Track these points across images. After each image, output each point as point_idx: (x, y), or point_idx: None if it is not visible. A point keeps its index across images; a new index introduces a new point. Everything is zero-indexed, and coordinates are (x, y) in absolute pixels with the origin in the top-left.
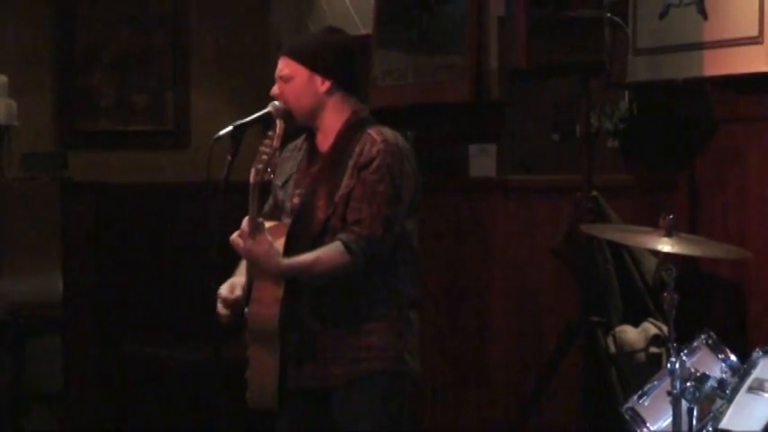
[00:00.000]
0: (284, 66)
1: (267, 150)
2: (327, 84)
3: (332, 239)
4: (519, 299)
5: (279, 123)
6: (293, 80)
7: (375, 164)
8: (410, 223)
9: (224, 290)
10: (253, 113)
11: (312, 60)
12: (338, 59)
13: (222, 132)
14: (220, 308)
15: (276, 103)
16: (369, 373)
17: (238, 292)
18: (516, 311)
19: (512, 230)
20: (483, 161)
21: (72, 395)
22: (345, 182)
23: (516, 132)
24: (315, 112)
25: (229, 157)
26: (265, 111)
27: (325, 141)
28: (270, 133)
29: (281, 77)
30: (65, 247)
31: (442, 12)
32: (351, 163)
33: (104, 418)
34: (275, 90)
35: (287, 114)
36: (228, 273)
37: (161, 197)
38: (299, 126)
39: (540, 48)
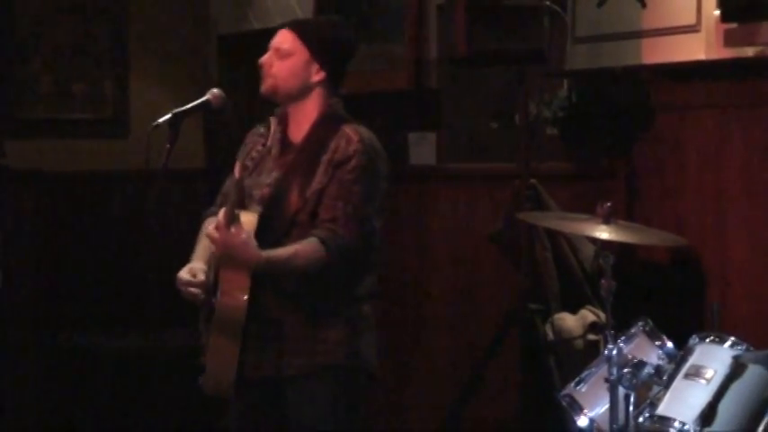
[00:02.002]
0: (285, 40)
1: (258, 148)
2: (322, 74)
3: (300, 234)
4: (458, 286)
5: (273, 121)
6: (290, 57)
7: (352, 163)
8: (378, 222)
9: (184, 274)
10: (192, 101)
11: (317, 46)
12: (340, 55)
13: (161, 120)
14: (192, 291)
15: (215, 90)
16: (325, 365)
17: (201, 277)
18: (455, 299)
19: (451, 218)
20: (423, 149)
21: (7, 383)
22: (318, 177)
23: (456, 120)
24: (297, 97)
25: (168, 145)
26: (204, 99)
27: (297, 131)
28: (262, 131)
29: (277, 50)
30: (2, 235)
31: (382, 2)
32: (325, 158)
33: (42, 408)
34: (265, 59)
35: (226, 103)
36: (165, 259)
37: (100, 185)
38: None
39: (478, 36)
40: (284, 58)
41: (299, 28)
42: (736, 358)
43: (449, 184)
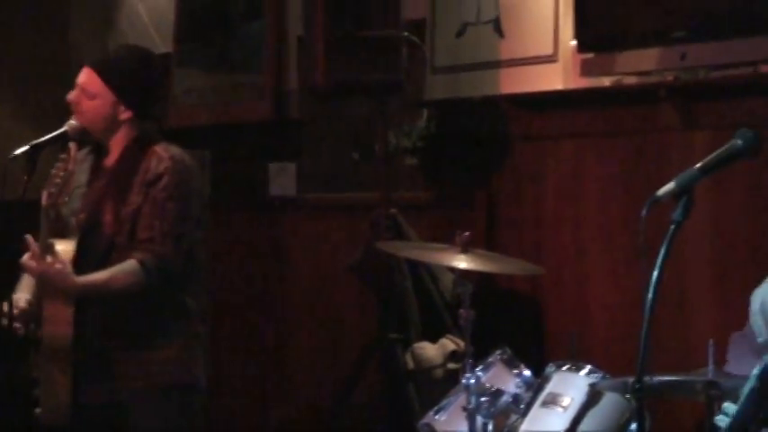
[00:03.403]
0: (90, 81)
1: (60, 173)
2: (129, 113)
3: (119, 256)
4: (318, 316)
5: (72, 146)
6: (96, 98)
7: (164, 181)
8: (197, 238)
9: (6, 305)
10: (51, 131)
11: (122, 87)
12: (146, 92)
13: (18, 152)
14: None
15: (72, 122)
16: (160, 387)
17: (22, 305)
18: (316, 329)
19: (311, 248)
20: (283, 180)
21: None
22: (132, 198)
23: (316, 151)
24: (107, 133)
25: (26, 177)
26: (61, 130)
27: (110, 157)
28: (63, 156)
29: (84, 89)
30: None
31: (241, 30)
32: (138, 179)
33: None
34: (73, 97)
35: (83, 133)
36: None
37: None
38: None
39: (337, 67)
40: (91, 98)
41: (103, 69)
42: (592, 386)
43: (309, 215)
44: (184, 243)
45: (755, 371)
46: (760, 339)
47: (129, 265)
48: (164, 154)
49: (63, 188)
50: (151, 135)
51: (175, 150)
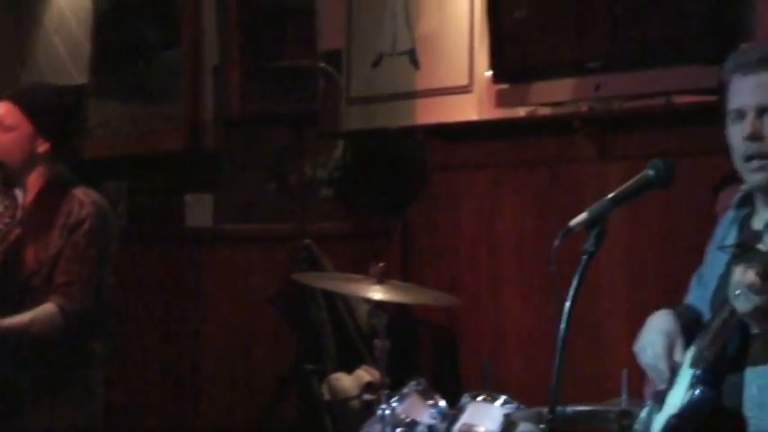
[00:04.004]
0: (8, 113)
1: None
2: (46, 145)
3: (33, 299)
4: (235, 347)
5: None
6: (14, 131)
7: (85, 227)
8: (110, 283)
9: None
10: None
11: (40, 119)
12: (64, 125)
13: None
14: None
15: None
16: (63, 427)
17: None
18: (233, 360)
19: (228, 279)
20: (199, 210)
21: None
22: (54, 242)
23: (233, 181)
24: (24, 169)
25: None
26: None
27: (28, 196)
28: None
29: (1, 123)
30: None
31: (158, 60)
32: (59, 223)
33: None
34: None
35: None
36: None
37: None
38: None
39: (253, 97)
40: (8, 131)
41: (21, 101)
42: (506, 416)
43: (225, 246)
44: (102, 288)
45: (675, 410)
46: (661, 387)
47: (48, 309)
48: (85, 199)
49: None
50: (67, 177)
51: (95, 195)
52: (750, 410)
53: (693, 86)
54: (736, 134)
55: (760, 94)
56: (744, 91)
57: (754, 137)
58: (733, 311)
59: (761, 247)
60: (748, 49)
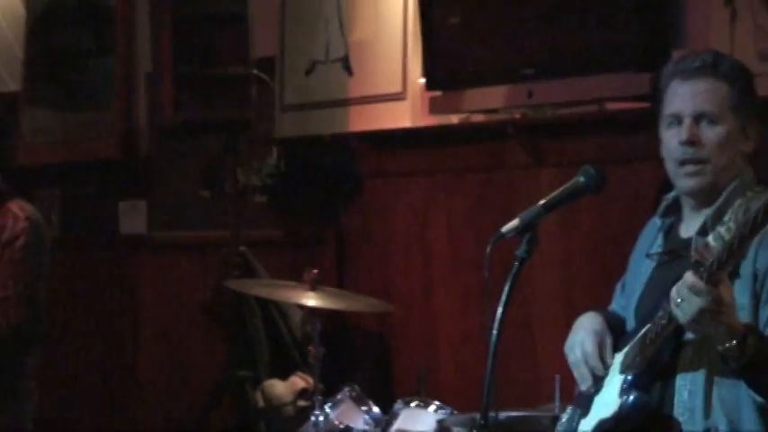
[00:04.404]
0: None
1: None
2: None
3: None
4: (168, 354)
5: None
6: None
7: (20, 241)
8: (42, 294)
9: None
10: None
11: None
12: None
13: None
14: None
15: None
16: None
17: None
18: (166, 366)
19: (161, 286)
20: (133, 218)
21: None
22: None
23: (166, 188)
24: None
25: None
26: None
27: None
28: None
29: None
30: None
31: (91, 68)
32: None
33: None
34: None
35: None
36: None
37: None
38: None
39: (186, 104)
40: None
41: None
42: (440, 422)
43: (159, 253)
44: (37, 302)
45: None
46: (583, 387)
47: None
48: (20, 213)
49: None
50: (2, 188)
51: (29, 209)
52: (681, 415)
53: (626, 93)
54: (672, 138)
55: (698, 100)
56: (681, 96)
57: (691, 142)
58: (670, 320)
59: (693, 255)
60: (689, 55)
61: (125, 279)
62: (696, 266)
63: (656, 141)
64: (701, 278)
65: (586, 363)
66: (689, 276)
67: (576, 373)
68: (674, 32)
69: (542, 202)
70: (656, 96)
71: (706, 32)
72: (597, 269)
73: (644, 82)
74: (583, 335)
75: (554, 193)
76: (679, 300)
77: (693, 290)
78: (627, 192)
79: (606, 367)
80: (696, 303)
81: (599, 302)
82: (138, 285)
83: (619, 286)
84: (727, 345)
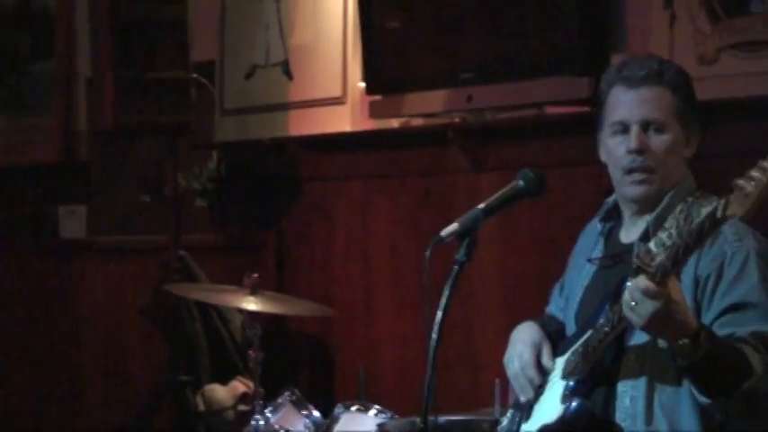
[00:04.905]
0: None
1: None
2: None
3: None
4: (109, 358)
5: None
6: None
7: None
8: None
9: None
10: None
11: None
12: None
13: None
14: None
15: None
16: None
17: None
18: (107, 372)
19: (101, 291)
20: (72, 223)
21: None
22: None
23: (107, 193)
24: None
25: None
26: None
27: None
28: None
29: None
30: None
31: (31, 73)
32: None
33: None
34: None
35: None
36: None
37: None
38: None
39: (126, 108)
40: None
41: None
42: (380, 426)
43: (99, 258)
44: None
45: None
46: (523, 399)
47: None
48: None
49: None
50: None
51: None
52: (623, 420)
53: (565, 98)
54: (619, 146)
55: (645, 108)
56: (627, 104)
57: (640, 151)
58: (612, 328)
59: (635, 262)
60: (632, 61)
61: (65, 283)
62: (637, 273)
63: (595, 145)
64: (653, 281)
65: (525, 374)
66: (641, 280)
67: (515, 385)
68: (614, 37)
69: (481, 206)
70: (595, 101)
71: (645, 37)
72: (537, 273)
73: (583, 86)
74: (521, 347)
75: (493, 197)
76: (633, 303)
77: (647, 293)
78: (566, 196)
79: (546, 376)
80: (650, 306)
81: (539, 306)
82: (79, 290)
83: (557, 287)
84: (680, 342)
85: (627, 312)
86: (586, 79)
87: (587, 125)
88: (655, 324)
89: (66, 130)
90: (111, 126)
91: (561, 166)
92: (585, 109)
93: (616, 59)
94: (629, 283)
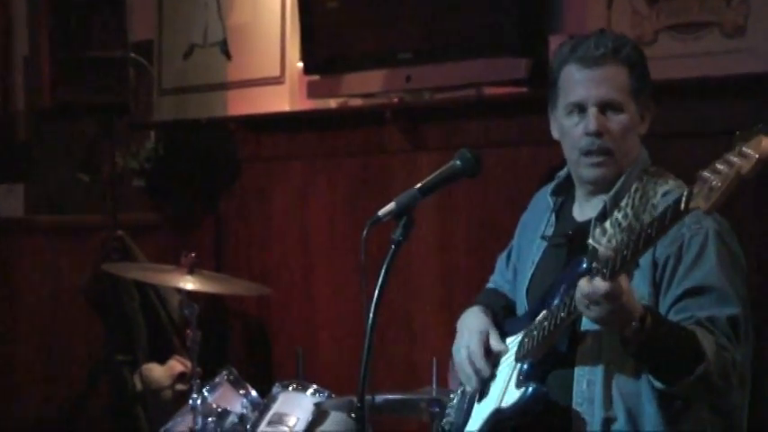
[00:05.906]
0: None
1: None
2: None
3: None
4: (46, 338)
5: None
6: None
7: None
8: None
9: None
10: None
11: None
12: None
13: None
14: None
15: None
16: None
17: None
18: (44, 351)
19: (39, 270)
20: (10, 201)
21: None
22: None
23: (44, 172)
24: None
25: None
26: None
27: None
28: None
29: None
30: None
31: None
32: None
33: None
34: None
35: None
36: None
37: None
38: None
39: (64, 87)
40: None
41: None
42: (317, 405)
43: (36, 236)
44: None
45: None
46: (469, 388)
47: None
48: None
49: None
50: None
51: None
52: (580, 405)
53: (503, 78)
54: (575, 127)
55: (602, 89)
56: (584, 84)
57: (599, 133)
58: (569, 314)
59: (590, 242)
60: (584, 40)
61: (2, 262)
62: (593, 255)
63: (534, 125)
64: (604, 278)
65: (472, 364)
66: (598, 282)
67: (461, 375)
68: (552, 18)
69: (418, 185)
70: (543, 80)
71: (583, 17)
72: (476, 252)
73: (521, 66)
74: (467, 336)
75: (430, 177)
76: (587, 303)
77: (608, 296)
78: (505, 175)
79: (495, 363)
80: (606, 308)
81: (477, 285)
82: (16, 269)
83: (503, 257)
84: (628, 328)
85: (581, 309)
86: (524, 60)
87: (525, 105)
88: (607, 320)
89: (5, 110)
90: (48, 105)
91: (499, 145)
92: (523, 89)
93: (554, 40)
94: (582, 283)
